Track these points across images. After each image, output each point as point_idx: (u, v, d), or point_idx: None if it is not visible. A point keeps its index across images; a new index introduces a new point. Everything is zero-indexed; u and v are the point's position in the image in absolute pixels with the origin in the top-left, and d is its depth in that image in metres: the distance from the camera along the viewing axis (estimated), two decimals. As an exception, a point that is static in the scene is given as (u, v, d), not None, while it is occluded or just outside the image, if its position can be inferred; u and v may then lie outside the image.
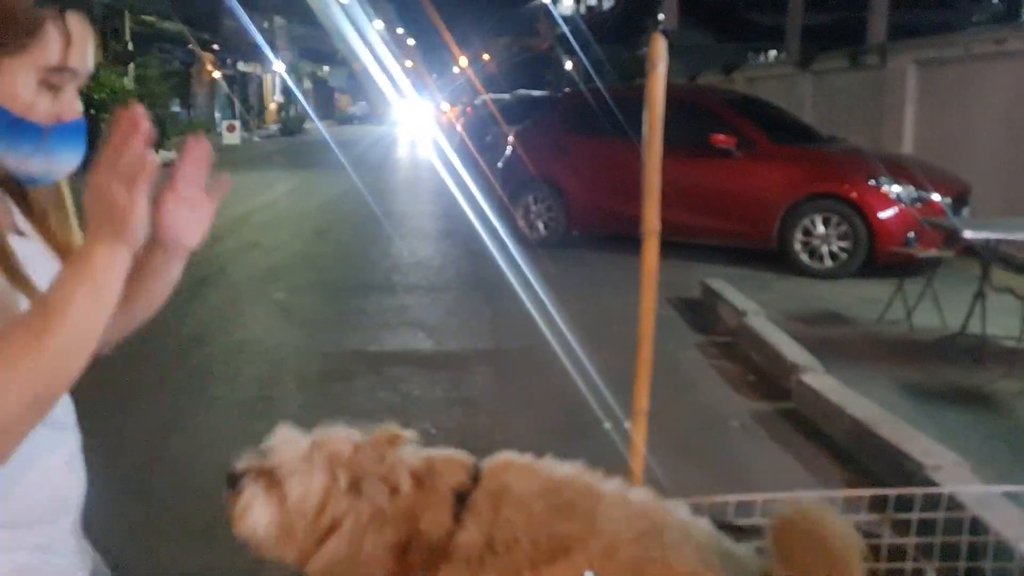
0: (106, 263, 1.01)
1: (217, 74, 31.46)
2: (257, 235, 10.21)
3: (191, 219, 1.11)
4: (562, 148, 9.43)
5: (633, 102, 9.97)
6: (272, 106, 42.33)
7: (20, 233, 1.18)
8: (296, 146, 29.38)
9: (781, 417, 4.52)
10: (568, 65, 35.42)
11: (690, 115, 8.55)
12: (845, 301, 6.84)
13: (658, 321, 6.71)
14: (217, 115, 31.61)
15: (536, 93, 20.42)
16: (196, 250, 1.16)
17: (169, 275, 1.26)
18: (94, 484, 1.23)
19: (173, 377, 5.09)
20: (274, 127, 38.41)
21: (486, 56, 53.19)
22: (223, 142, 25.84)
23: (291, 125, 36.80)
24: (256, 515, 1.32)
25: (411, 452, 1.41)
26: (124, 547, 3.31)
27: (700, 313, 6.59)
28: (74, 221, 1.31)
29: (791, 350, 5.01)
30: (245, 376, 5.15)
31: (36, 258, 1.17)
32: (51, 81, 1.11)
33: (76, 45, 1.12)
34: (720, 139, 8.23)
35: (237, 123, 27.63)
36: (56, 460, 1.17)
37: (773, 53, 24.19)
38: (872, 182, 7.66)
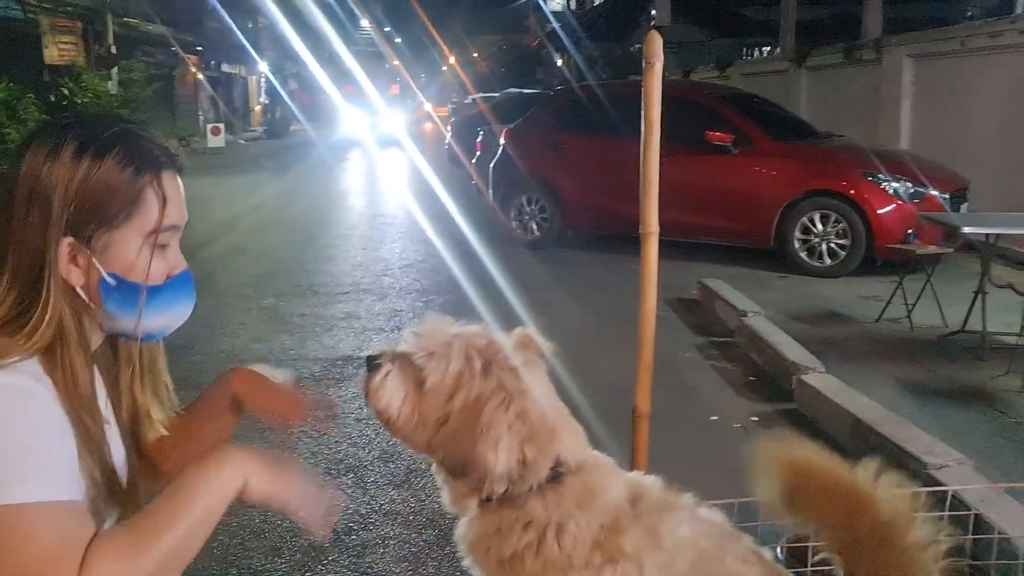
0: (232, 482, 1.09)
1: (201, 76, 31.23)
2: (245, 240, 10.09)
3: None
4: (555, 147, 9.33)
5: (628, 99, 9.83)
6: (257, 108, 41.99)
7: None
8: (282, 149, 29.10)
9: (783, 418, 4.45)
10: (559, 62, 35.35)
11: (685, 112, 8.48)
12: (845, 299, 6.77)
13: (656, 322, 6.61)
14: (201, 117, 31.32)
15: (527, 91, 20.31)
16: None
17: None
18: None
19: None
20: (259, 129, 38.04)
21: (476, 54, 53.12)
22: (208, 145, 25.59)
23: (277, 127, 36.24)
24: (389, 391, 1.37)
25: (539, 371, 1.45)
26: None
27: (698, 313, 6.51)
28: (165, 383, 1.43)
29: (791, 350, 4.94)
30: (235, 384, 5.04)
31: None
32: (158, 241, 1.19)
33: (172, 202, 1.20)
34: (716, 136, 8.14)
35: (221, 126, 27.37)
36: None
37: (767, 49, 24.19)
38: (870, 178, 7.59)
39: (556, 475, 1.34)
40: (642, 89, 1.90)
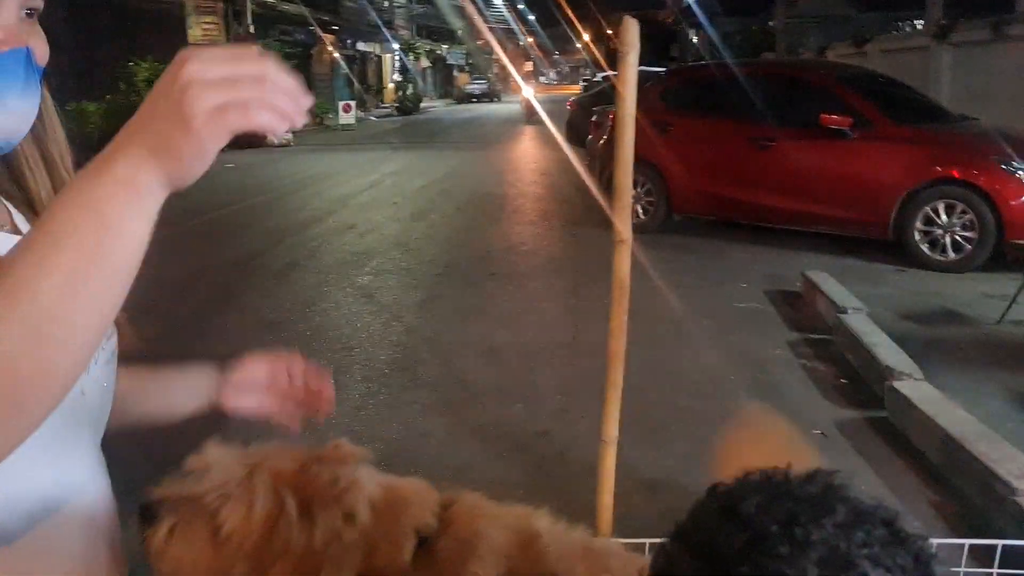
0: (130, 187, 0.62)
1: (337, 55, 32.23)
2: (355, 217, 10.30)
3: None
4: (665, 128, 8.99)
5: (750, 79, 9.33)
6: (390, 85, 43.11)
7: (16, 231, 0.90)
8: (411, 125, 29.82)
9: (870, 427, 4.13)
10: (694, 38, 34.24)
11: (800, 94, 8.04)
12: (966, 298, 6.22)
13: (751, 315, 6.32)
14: (336, 95, 32.55)
15: (653, 69, 19.80)
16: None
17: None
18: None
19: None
20: (391, 106, 39.23)
21: (609, 31, 52.31)
22: (339, 122, 26.63)
23: (408, 104, 37.42)
24: (180, 550, 1.09)
25: (367, 476, 1.19)
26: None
27: (798, 308, 6.13)
28: None
29: (888, 352, 4.57)
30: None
31: None
32: None
33: None
34: (832, 119, 7.62)
35: (352, 103, 28.36)
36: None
37: (920, 23, 22.57)
38: (1004, 166, 6.94)
39: (423, 540, 1.15)
40: (616, 80, 1.73)
